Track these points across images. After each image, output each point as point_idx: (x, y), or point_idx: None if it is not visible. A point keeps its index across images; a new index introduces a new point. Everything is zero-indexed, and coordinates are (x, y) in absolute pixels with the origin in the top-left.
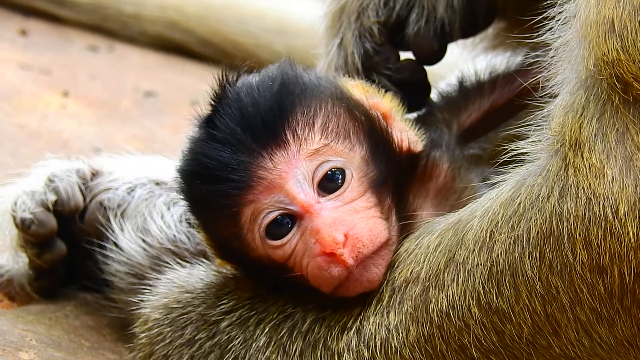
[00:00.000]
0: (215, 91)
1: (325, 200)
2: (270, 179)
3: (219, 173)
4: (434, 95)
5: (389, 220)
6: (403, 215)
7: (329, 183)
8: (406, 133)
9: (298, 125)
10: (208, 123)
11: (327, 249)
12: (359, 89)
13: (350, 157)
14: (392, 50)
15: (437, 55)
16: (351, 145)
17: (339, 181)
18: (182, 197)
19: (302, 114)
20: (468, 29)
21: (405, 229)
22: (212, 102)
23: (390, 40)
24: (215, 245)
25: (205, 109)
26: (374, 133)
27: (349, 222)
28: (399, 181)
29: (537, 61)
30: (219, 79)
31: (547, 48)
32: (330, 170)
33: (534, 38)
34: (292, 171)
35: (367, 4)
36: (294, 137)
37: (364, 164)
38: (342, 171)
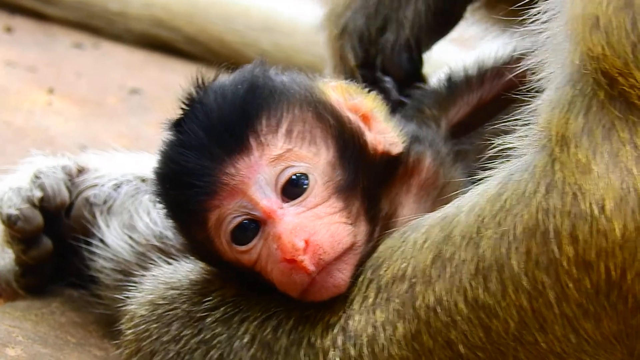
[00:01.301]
0: (186, 94)
1: (288, 206)
2: (233, 184)
3: (184, 178)
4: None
5: (355, 224)
6: (379, 216)
7: (293, 188)
8: (385, 135)
9: (261, 130)
10: (177, 126)
11: (287, 255)
12: (338, 91)
13: (315, 162)
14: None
15: (410, 75)
16: (316, 149)
17: (303, 186)
18: (157, 200)
19: (267, 118)
20: (437, 34)
21: (385, 227)
22: (183, 105)
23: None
24: (191, 248)
25: (177, 112)
26: (343, 137)
27: (310, 228)
28: (373, 183)
29: (525, 55)
30: (192, 80)
31: (534, 41)
32: (294, 175)
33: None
34: (255, 176)
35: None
36: (256, 142)
37: (330, 168)
38: (306, 176)
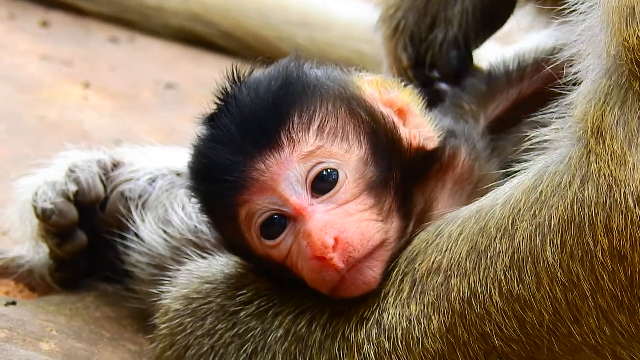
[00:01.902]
0: (221, 88)
1: (318, 202)
2: (263, 180)
3: (215, 173)
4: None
5: (387, 220)
6: (412, 211)
7: (322, 183)
8: (421, 129)
9: (293, 126)
10: (210, 121)
11: (317, 253)
12: (373, 85)
13: (346, 158)
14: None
15: (460, 72)
16: (348, 146)
17: (332, 181)
18: (191, 194)
19: (299, 115)
20: (487, 30)
21: (419, 222)
22: (217, 100)
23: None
24: (223, 242)
25: (211, 106)
26: (376, 133)
27: (340, 225)
28: (407, 178)
29: (563, 48)
30: (227, 74)
31: (572, 33)
32: (324, 170)
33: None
34: (285, 173)
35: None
36: (287, 138)
37: (361, 165)
38: (336, 172)
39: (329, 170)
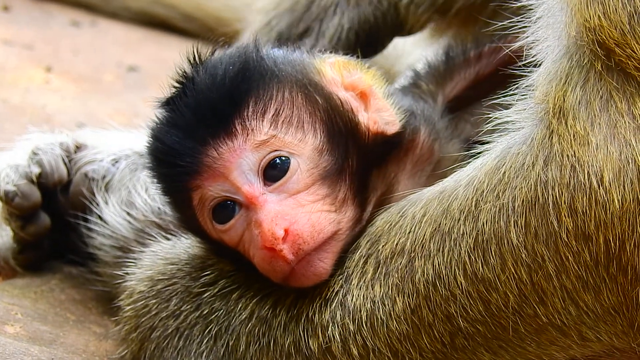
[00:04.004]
0: (179, 72)
1: (270, 190)
2: (215, 167)
3: (169, 157)
4: (420, 65)
5: (340, 211)
6: (369, 198)
7: (273, 171)
8: (383, 113)
9: (247, 114)
10: (167, 104)
11: (267, 244)
12: (335, 68)
13: (300, 148)
14: None
15: None
16: (303, 135)
17: (284, 170)
18: (150, 176)
19: (254, 102)
20: (360, 53)
21: (379, 205)
22: (175, 83)
23: None
24: (183, 224)
25: (169, 89)
26: (333, 120)
27: (291, 216)
28: (365, 165)
29: (522, 29)
30: (186, 57)
31: (530, 16)
32: (276, 158)
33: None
34: (237, 161)
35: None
36: (241, 127)
37: (316, 154)
38: (288, 160)
39: (282, 159)
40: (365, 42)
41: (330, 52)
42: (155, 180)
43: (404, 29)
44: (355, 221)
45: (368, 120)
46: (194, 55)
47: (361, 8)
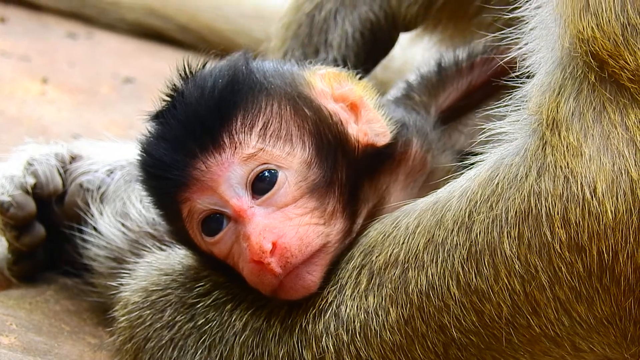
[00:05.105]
0: (170, 84)
1: (258, 204)
2: (203, 180)
3: (158, 170)
4: (412, 77)
5: (329, 224)
6: (359, 211)
7: (261, 184)
8: (374, 125)
9: (235, 128)
10: (158, 117)
11: (255, 257)
12: (325, 79)
13: (289, 161)
14: None
15: None
16: (291, 148)
17: (272, 183)
18: (141, 187)
19: (242, 116)
20: (370, 54)
21: (371, 216)
22: (165, 96)
23: None
24: (174, 236)
25: (160, 102)
26: (322, 133)
27: (279, 230)
28: (355, 177)
29: (515, 41)
30: (177, 70)
31: (524, 27)
32: (264, 171)
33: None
34: (225, 175)
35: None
36: (229, 140)
37: (304, 168)
38: (276, 173)
39: (271, 172)
40: (372, 40)
41: (340, 61)
42: (146, 192)
43: (402, 24)
44: (344, 233)
45: (358, 132)
46: (185, 68)
47: (359, 9)
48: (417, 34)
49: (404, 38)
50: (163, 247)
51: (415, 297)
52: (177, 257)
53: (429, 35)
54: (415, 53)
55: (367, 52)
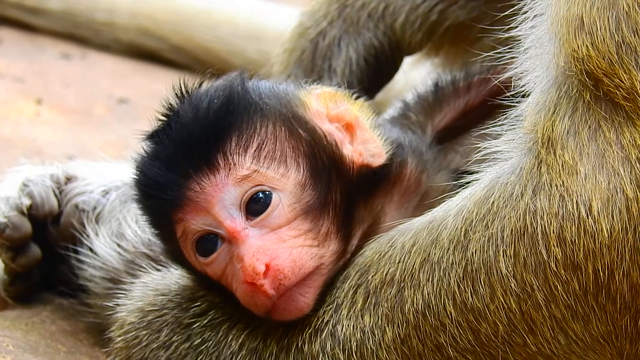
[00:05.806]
0: (165, 104)
1: (252, 225)
2: (197, 201)
3: (153, 190)
4: (409, 96)
5: (323, 246)
6: (353, 232)
7: (255, 205)
8: (369, 145)
9: (230, 149)
10: (152, 137)
11: (248, 279)
12: (321, 99)
13: (283, 183)
14: None
15: None
16: (285, 170)
17: (266, 204)
18: (136, 207)
19: (237, 137)
20: (374, 79)
21: (366, 236)
22: (160, 116)
23: None
24: (169, 256)
25: (155, 122)
26: (317, 155)
27: (272, 252)
28: (350, 198)
29: (511, 60)
30: (172, 90)
31: (519, 47)
32: (259, 192)
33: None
34: (219, 196)
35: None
36: (224, 161)
37: (298, 189)
38: (270, 195)
39: (265, 193)
40: (376, 66)
41: (344, 88)
42: (141, 211)
43: (405, 50)
44: (339, 255)
45: (353, 152)
46: (180, 88)
47: (363, 35)
48: (418, 57)
49: (405, 62)
50: (159, 267)
51: (412, 316)
52: (173, 277)
53: (431, 59)
54: (416, 76)
55: (371, 77)
